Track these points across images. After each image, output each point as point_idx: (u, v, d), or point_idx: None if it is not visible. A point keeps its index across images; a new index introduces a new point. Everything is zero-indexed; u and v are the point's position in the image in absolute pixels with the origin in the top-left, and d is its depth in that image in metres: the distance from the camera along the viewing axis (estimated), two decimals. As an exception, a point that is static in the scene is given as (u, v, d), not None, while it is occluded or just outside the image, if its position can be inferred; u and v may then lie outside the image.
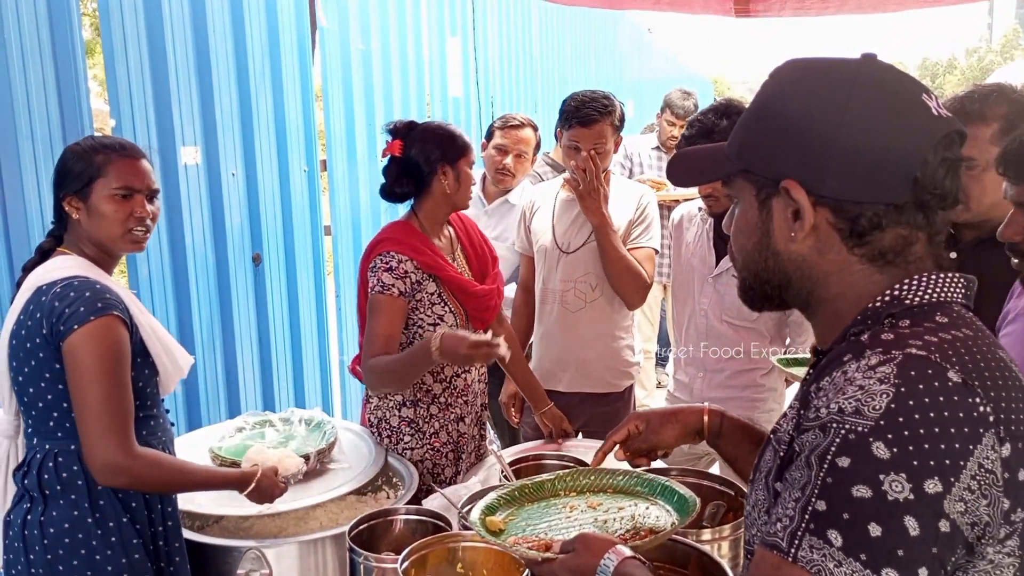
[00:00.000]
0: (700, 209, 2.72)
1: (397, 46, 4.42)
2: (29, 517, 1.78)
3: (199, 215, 3.00)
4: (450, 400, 2.53)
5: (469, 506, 1.63)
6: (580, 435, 2.83)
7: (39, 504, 1.78)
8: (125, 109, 2.65)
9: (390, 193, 2.50)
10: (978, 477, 0.81)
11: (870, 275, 0.96)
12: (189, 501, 2.08)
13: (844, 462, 0.82)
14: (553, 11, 7.56)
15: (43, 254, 1.86)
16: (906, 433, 0.80)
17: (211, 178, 3.05)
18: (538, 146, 3.46)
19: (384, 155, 2.48)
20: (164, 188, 2.77)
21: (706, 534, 1.72)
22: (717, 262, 2.62)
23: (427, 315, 2.43)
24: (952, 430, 0.81)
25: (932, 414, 0.81)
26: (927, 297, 0.94)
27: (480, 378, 2.65)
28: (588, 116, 2.71)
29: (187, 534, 2.04)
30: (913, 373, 0.84)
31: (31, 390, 1.77)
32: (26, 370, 1.77)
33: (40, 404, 1.77)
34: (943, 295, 0.94)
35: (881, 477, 0.80)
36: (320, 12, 3.59)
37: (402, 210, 2.62)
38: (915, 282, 0.95)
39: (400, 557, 1.60)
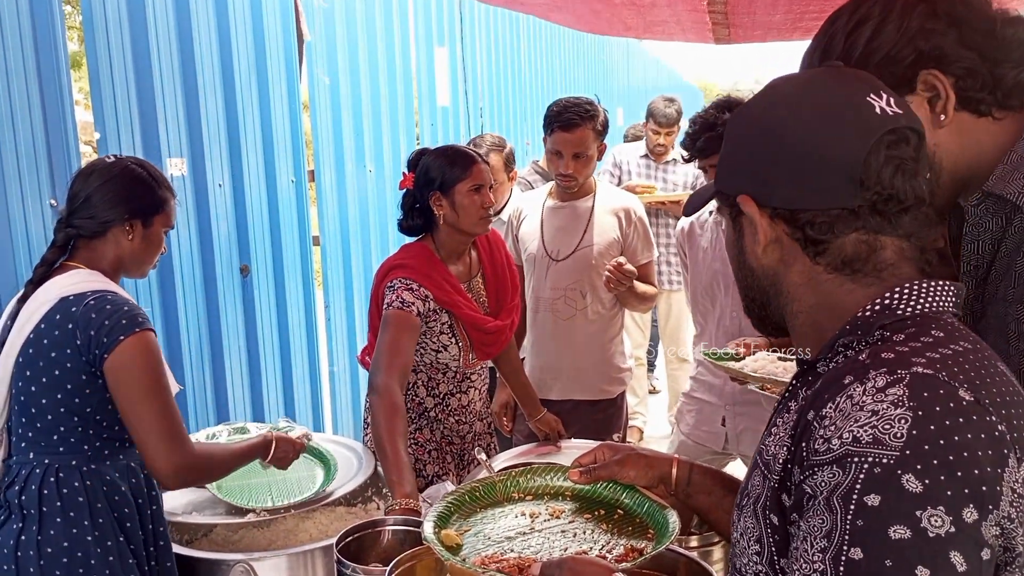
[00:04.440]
0: (711, 213, 2.71)
1: (384, 56, 4.42)
2: (23, 537, 1.73)
3: (185, 227, 2.99)
4: (440, 416, 2.52)
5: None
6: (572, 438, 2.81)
7: (33, 523, 1.74)
8: (110, 120, 2.64)
9: (406, 228, 2.48)
10: (1015, 503, 0.77)
11: (841, 284, 0.94)
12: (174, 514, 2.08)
13: (874, 500, 0.76)
14: (541, 20, 7.59)
15: (49, 266, 1.84)
16: (935, 462, 0.75)
17: (197, 189, 3.05)
18: (512, 159, 3.44)
19: (401, 188, 2.47)
20: (150, 200, 2.76)
21: (694, 540, 1.71)
22: None
23: (432, 341, 2.42)
24: (979, 453, 0.76)
25: (956, 438, 0.76)
26: (918, 307, 0.91)
27: (480, 398, 2.61)
28: (569, 121, 2.72)
29: (176, 548, 2.02)
30: (926, 394, 0.78)
31: (44, 401, 1.75)
32: (44, 380, 1.75)
33: (49, 416, 1.76)
34: (934, 305, 0.91)
35: (918, 513, 0.74)
36: (304, 26, 3.59)
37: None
38: (905, 291, 0.92)
39: (387, 569, 1.58)
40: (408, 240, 2.55)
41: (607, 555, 1.31)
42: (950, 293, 0.93)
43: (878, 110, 0.90)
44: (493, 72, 6.29)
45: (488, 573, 1.21)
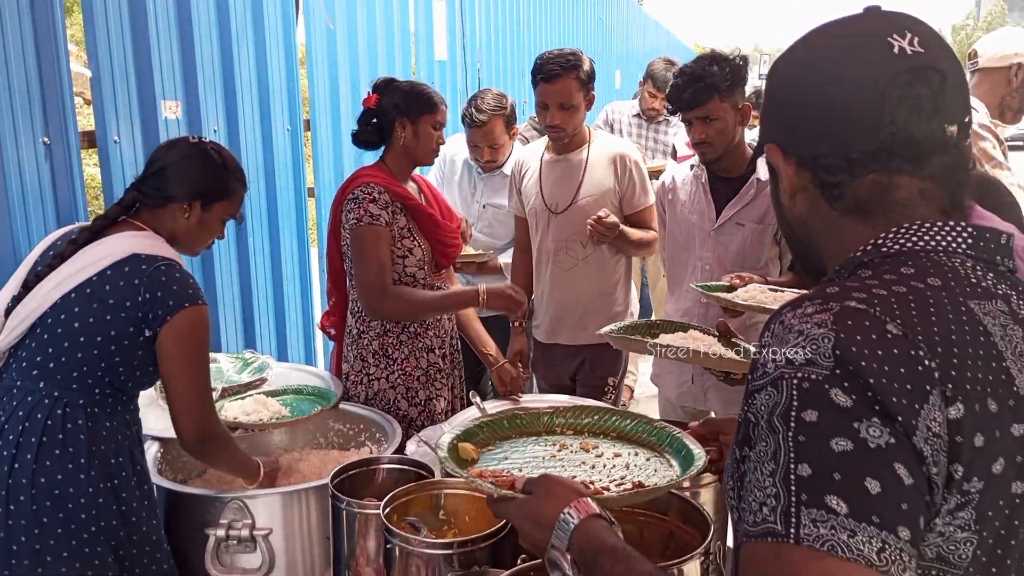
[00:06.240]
0: (692, 167, 2.73)
1: (382, 9, 4.36)
2: (17, 464, 1.74)
3: (180, 172, 2.96)
4: (419, 330, 2.63)
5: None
6: (577, 385, 2.96)
7: (29, 451, 1.75)
8: (104, 59, 2.61)
9: (357, 139, 2.66)
10: (930, 441, 0.75)
11: (854, 227, 0.93)
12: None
13: (812, 416, 0.75)
14: (540, -23, 7.48)
15: (111, 221, 1.92)
16: (861, 381, 0.75)
17: (192, 133, 3.01)
18: (513, 117, 3.42)
19: (363, 105, 2.64)
20: (144, 142, 2.75)
21: (686, 481, 1.73)
22: (718, 214, 2.62)
23: (396, 247, 2.53)
24: (899, 384, 0.75)
25: (875, 365, 0.75)
26: (907, 245, 0.88)
27: (450, 318, 2.75)
28: (551, 72, 2.76)
29: (169, 485, 2.04)
30: (850, 323, 0.78)
31: (82, 339, 1.80)
32: (91, 320, 1.80)
33: (79, 354, 1.80)
34: (932, 243, 0.88)
35: (856, 425, 0.73)
36: None
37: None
38: (902, 230, 0.89)
39: (382, 503, 1.60)
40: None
41: (610, 487, 1.30)
42: (963, 234, 0.88)
43: (896, 49, 0.88)
44: (492, 28, 6.21)
45: (473, 480, 1.22)
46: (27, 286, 1.86)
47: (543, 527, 1.07)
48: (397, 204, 2.52)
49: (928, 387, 0.76)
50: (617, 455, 1.43)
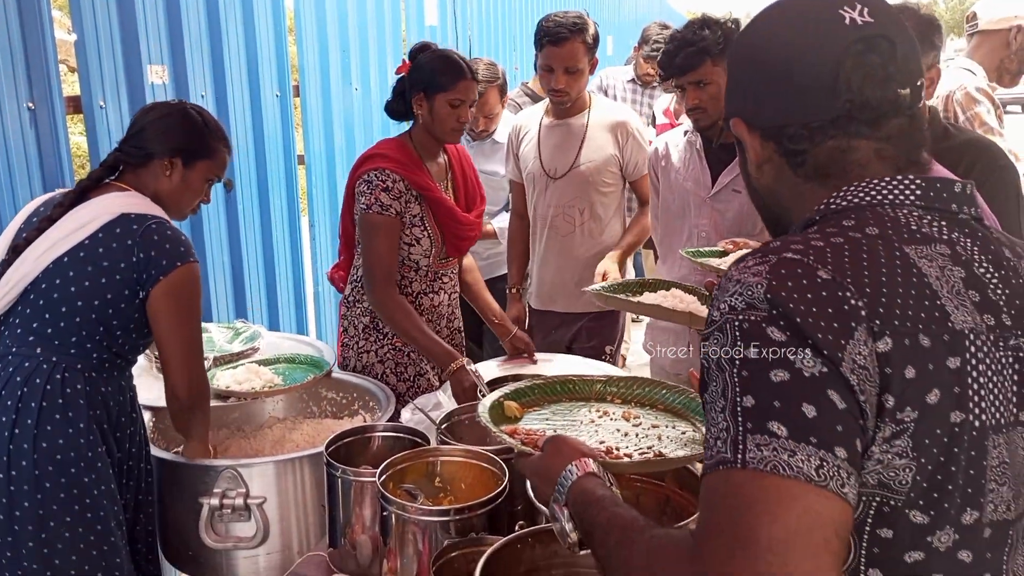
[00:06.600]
0: (686, 133, 2.68)
1: (371, -29, 4.28)
2: (18, 430, 1.73)
3: (168, 138, 2.92)
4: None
5: (493, 399, 1.58)
6: (569, 350, 2.93)
7: (29, 416, 1.74)
8: (88, 22, 2.55)
9: (389, 109, 2.56)
10: (856, 372, 0.80)
11: (815, 192, 0.97)
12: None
13: (753, 353, 0.82)
14: (532, -59, 7.36)
15: (95, 183, 1.90)
16: (790, 320, 0.81)
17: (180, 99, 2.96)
18: (505, 85, 3.41)
19: (396, 74, 2.53)
20: (130, 107, 2.70)
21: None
22: (714, 181, 2.57)
23: (404, 234, 2.45)
24: (825, 322, 0.81)
25: (802, 306, 0.81)
26: (855, 200, 0.94)
27: (451, 302, 2.67)
28: (558, 35, 2.71)
29: (163, 454, 2.04)
30: (783, 271, 0.84)
31: (79, 303, 1.79)
32: (87, 284, 1.79)
33: (77, 318, 1.80)
34: (877, 197, 0.93)
35: (791, 357, 0.80)
36: None
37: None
38: (852, 188, 0.94)
39: (378, 470, 1.59)
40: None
41: (633, 454, 1.37)
42: (912, 187, 0.93)
43: (847, 21, 0.93)
44: (482, -7, 6.12)
45: (499, 435, 1.32)
46: (15, 251, 1.84)
47: (549, 482, 1.15)
48: (412, 192, 2.43)
49: (853, 324, 0.81)
50: (655, 426, 1.49)
